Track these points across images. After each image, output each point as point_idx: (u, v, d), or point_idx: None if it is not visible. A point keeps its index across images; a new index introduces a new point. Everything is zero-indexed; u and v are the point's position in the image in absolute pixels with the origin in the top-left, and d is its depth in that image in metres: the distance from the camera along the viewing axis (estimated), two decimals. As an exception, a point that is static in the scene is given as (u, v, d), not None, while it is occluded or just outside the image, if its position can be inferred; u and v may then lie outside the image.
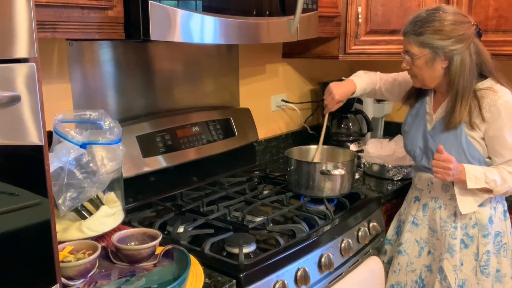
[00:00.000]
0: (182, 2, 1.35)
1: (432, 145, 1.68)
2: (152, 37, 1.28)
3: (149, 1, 1.25)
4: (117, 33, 1.31)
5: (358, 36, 2.17)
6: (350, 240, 1.59)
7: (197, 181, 1.90)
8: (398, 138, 2.19)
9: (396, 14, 2.16)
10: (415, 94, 1.80)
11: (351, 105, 2.46)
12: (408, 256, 1.81)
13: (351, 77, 1.93)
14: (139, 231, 1.31)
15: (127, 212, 1.55)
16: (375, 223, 1.75)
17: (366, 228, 1.70)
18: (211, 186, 1.90)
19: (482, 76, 1.63)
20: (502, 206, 1.72)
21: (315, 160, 1.88)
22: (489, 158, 1.63)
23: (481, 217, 1.67)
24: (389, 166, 2.07)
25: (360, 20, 2.15)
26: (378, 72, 1.99)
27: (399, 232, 1.91)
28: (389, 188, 2.00)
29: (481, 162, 1.63)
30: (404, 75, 1.88)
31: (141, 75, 1.78)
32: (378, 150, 2.15)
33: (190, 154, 1.83)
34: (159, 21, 1.29)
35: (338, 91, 1.84)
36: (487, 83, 1.61)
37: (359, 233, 1.66)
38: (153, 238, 1.26)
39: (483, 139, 1.60)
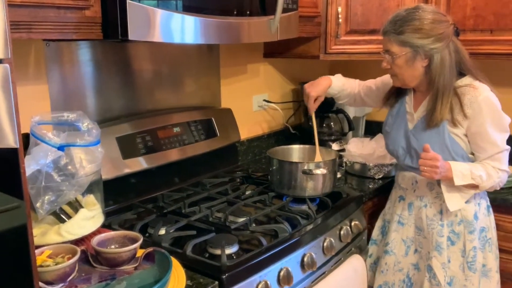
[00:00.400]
0: (162, 1, 1.34)
1: (415, 144, 1.69)
2: (130, 37, 1.26)
3: (127, 1, 1.24)
4: (95, 33, 1.29)
5: (339, 35, 2.18)
6: (332, 239, 1.59)
7: (178, 182, 1.89)
8: (379, 137, 2.21)
9: (375, 14, 2.18)
10: (395, 94, 1.82)
11: (332, 105, 2.47)
12: (395, 255, 1.82)
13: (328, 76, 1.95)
14: (119, 234, 1.30)
15: (108, 214, 1.53)
16: (357, 222, 1.76)
17: (348, 227, 1.70)
18: (193, 187, 1.88)
19: (461, 74, 1.65)
20: (485, 202, 1.75)
21: (317, 160, 1.87)
22: (472, 154, 1.66)
23: (466, 214, 1.69)
24: (370, 164, 2.08)
25: (340, 20, 2.16)
26: (357, 80, 2.02)
27: (384, 232, 1.92)
28: (370, 186, 2.01)
29: (465, 158, 1.65)
30: (382, 79, 1.91)
31: (120, 75, 1.76)
32: (359, 149, 2.16)
33: (172, 155, 1.82)
34: (137, 20, 1.27)
35: (313, 88, 1.86)
36: (466, 80, 1.63)
37: (341, 232, 1.67)
38: (134, 240, 1.24)
39: (466, 135, 1.63)
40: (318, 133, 2.46)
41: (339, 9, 2.15)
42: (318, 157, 1.89)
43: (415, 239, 1.80)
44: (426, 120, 1.65)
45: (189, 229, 1.49)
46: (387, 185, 2.05)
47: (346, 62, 2.75)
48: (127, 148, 1.66)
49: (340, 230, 1.67)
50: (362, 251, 1.81)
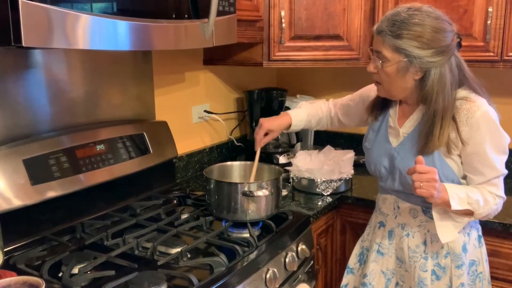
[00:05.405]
0: (70, 2, 1.13)
1: (400, 164, 1.47)
2: (25, 44, 1.04)
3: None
4: (-19, 38, 1.06)
5: (282, 41, 2.02)
6: (275, 270, 1.42)
7: (104, 208, 1.66)
8: (327, 149, 2.07)
9: (321, 18, 2.04)
10: (380, 105, 1.57)
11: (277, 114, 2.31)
12: None
13: (289, 110, 1.78)
14: (18, 280, 1.08)
15: (13, 251, 1.33)
16: (303, 246, 1.59)
17: (294, 253, 1.54)
18: (120, 212, 1.66)
19: None
20: (476, 231, 1.54)
21: (251, 180, 1.68)
22: (463, 178, 1.45)
23: (453, 245, 1.48)
24: (318, 180, 1.93)
25: (283, 25, 2.01)
26: (330, 99, 1.83)
27: (361, 260, 1.70)
28: (319, 204, 1.86)
29: (455, 183, 1.43)
30: (360, 94, 1.71)
31: (30, 85, 1.51)
32: (306, 163, 2.01)
33: (94, 177, 1.58)
34: (34, 23, 1.05)
35: (266, 121, 1.70)
36: (462, 92, 1.41)
37: (287, 259, 1.50)
38: (35, 288, 1.03)
39: (459, 156, 1.42)
40: (264, 145, 2.31)
41: (282, 13, 1.99)
42: (252, 178, 1.70)
43: (396, 271, 1.58)
44: (419, 146, 1.41)
45: (109, 266, 1.27)
46: (335, 202, 1.91)
47: (294, 69, 2.62)
48: (38, 172, 1.42)
49: (285, 257, 1.50)
50: (310, 278, 1.65)
